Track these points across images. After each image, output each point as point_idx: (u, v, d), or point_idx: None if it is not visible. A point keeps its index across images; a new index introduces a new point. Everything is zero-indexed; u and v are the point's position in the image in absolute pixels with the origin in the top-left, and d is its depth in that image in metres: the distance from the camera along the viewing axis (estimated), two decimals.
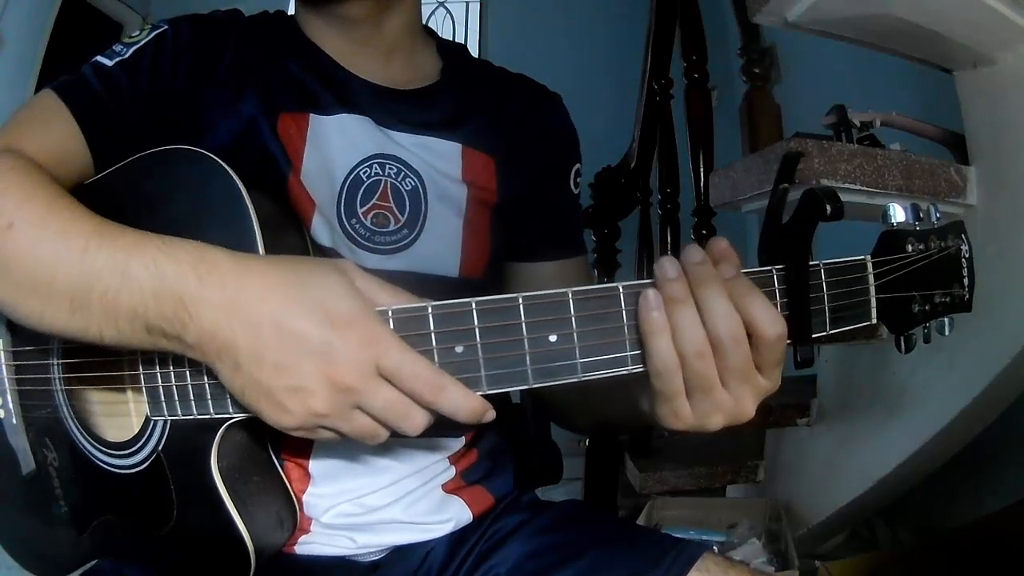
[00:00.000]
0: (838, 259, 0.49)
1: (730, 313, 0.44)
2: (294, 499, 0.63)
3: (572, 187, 0.81)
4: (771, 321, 0.45)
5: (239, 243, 0.52)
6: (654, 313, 0.44)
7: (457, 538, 0.71)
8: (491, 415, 0.47)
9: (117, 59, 0.65)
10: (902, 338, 0.52)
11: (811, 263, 0.48)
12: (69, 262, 0.49)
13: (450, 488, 0.72)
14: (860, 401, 1.60)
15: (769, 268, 0.48)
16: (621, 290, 0.46)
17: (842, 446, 1.62)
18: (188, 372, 0.53)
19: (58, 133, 0.62)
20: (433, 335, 0.47)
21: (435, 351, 0.46)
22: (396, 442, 0.67)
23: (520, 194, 0.75)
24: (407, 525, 0.69)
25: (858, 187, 1.13)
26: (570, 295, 0.46)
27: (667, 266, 0.45)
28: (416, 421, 0.46)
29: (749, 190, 1.28)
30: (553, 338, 0.46)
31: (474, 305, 0.46)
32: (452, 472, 0.72)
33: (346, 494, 0.67)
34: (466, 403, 0.46)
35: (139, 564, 0.64)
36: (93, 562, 0.66)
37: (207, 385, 0.52)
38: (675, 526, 1.68)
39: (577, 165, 0.82)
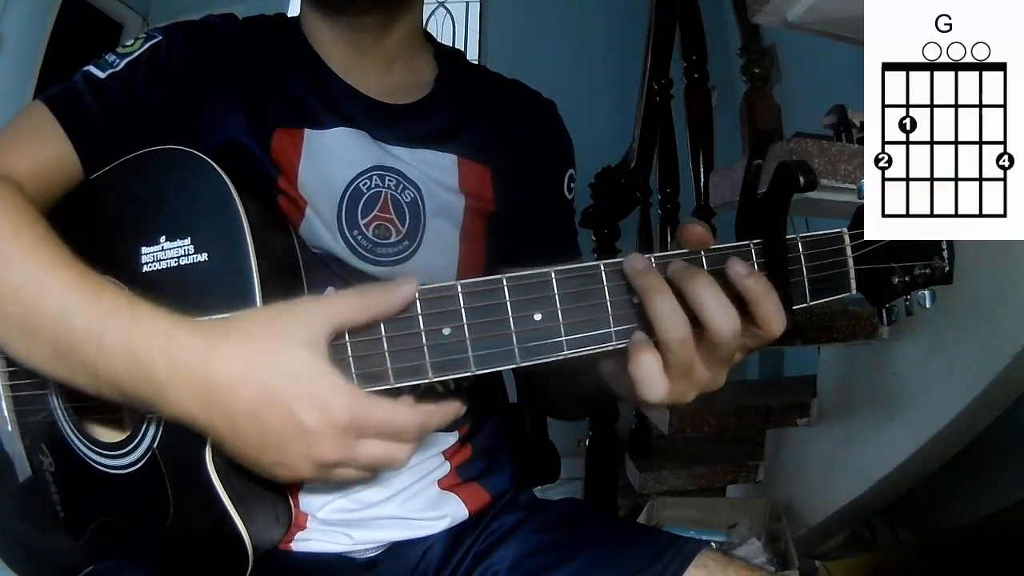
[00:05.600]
0: (814, 232, 0.50)
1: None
2: (288, 494, 0.63)
3: (566, 193, 0.81)
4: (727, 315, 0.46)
5: (229, 243, 0.52)
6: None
7: (455, 536, 0.71)
8: (459, 409, 0.50)
9: (110, 71, 0.64)
10: (883, 310, 0.53)
11: (790, 236, 0.49)
12: (49, 317, 0.49)
13: (446, 485, 0.71)
14: (860, 401, 1.60)
15: (747, 242, 0.49)
16: (603, 268, 0.47)
17: (842, 446, 1.62)
18: None
19: (51, 150, 0.62)
20: (420, 318, 0.47)
21: (423, 334, 0.47)
22: None
23: (516, 202, 0.75)
24: (403, 521, 0.69)
25: None
26: (553, 274, 0.47)
27: (635, 259, 0.46)
28: (402, 461, 0.50)
29: None
30: (538, 317, 0.47)
31: (459, 288, 0.47)
32: (447, 468, 0.72)
33: (340, 489, 0.67)
34: (445, 418, 0.49)
35: (138, 565, 0.63)
36: (91, 567, 0.66)
37: None
38: (675, 526, 1.68)
39: (571, 171, 0.82)
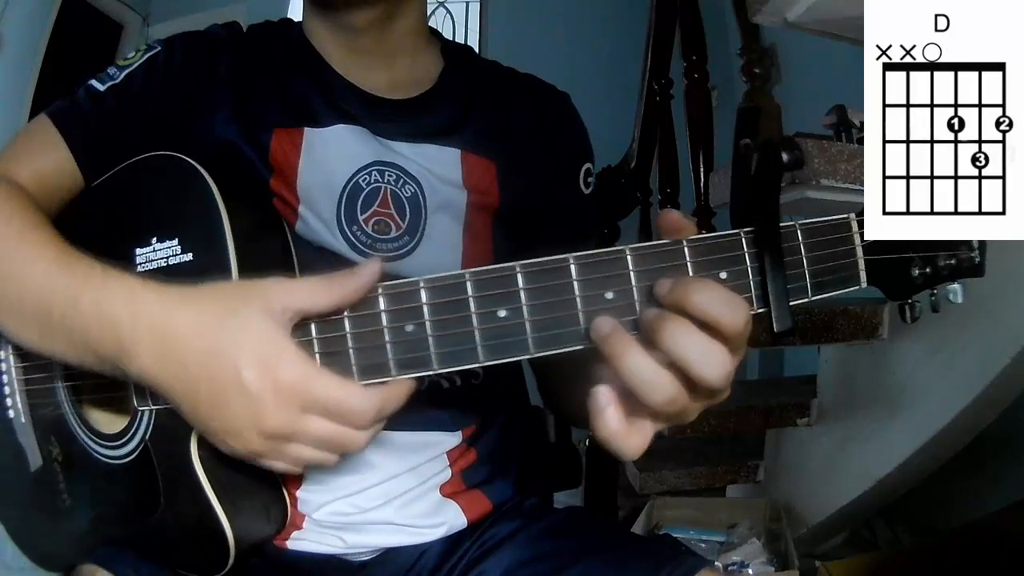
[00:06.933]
0: (817, 218, 0.46)
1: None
2: (284, 493, 0.63)
3: (582, 187, 0.79)
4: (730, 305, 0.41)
5: (210, 243, 0.54)
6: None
7: (451, 543, 0.70)
8: (411, 386, 0.48)
9: (110, 83, 0.67)
10: (905, 306, 0.48)
11: (787, 223, 0.45)
12: (33, 287, 0.53)
13: (448, 491, 0.70)
14: (860, 401, 1.60)
15: (736, 231, 0.44)
16: (571, 261, 0.44)
17: (842, 446, 1.62)
18: None
19: (53, 161, 0.66)
20: (383, 315, 0.46)
21: (385, 330, 0.46)
22: (388, 439, 0.66)
23: (523, 197, 0.74)
24: (399, 527, 0.68)
25: (858, 187, 1.13)
26: (518, 268, 0.45)
27: (600, 324, 0.43)
28: (357, 444, 0.48)
29: None
30: (502, 314, 0.45)
31: (422, 283, 0.46)
32: (449, 473, 0.71)
33: (339, 491, 0.66)
34: (400, 402, 0.47)
35: (135, 554, 0.63)
36: (93, 555, 0.67)
37: None
38: (675, 526, 1.68)
39: (587, 164, 0.80)
